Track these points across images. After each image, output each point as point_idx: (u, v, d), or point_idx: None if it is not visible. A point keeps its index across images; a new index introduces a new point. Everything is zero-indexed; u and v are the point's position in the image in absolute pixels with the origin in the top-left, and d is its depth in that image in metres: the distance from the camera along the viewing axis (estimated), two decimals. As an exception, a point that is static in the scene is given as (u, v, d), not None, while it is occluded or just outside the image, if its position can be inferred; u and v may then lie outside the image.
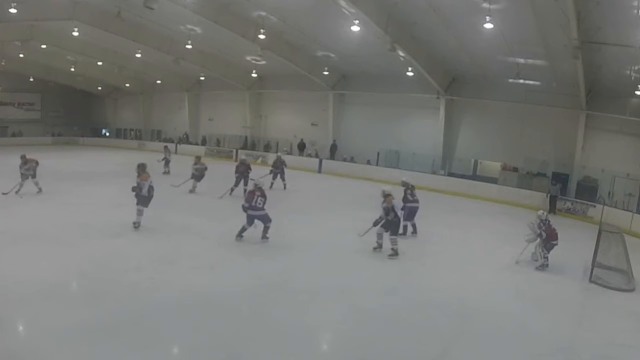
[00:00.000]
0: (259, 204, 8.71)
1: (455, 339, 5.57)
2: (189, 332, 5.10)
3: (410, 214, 10.02)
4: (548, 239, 8.44)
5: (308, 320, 5.78)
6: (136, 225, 9.04)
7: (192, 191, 13.99)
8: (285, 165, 15.87)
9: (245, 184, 13.65)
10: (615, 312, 6.80)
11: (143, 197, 9.04)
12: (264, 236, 8.84)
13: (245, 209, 8.75)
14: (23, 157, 11.94)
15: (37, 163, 12.09)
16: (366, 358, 5.00)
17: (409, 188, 10.31)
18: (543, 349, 5.43)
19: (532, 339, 5.63)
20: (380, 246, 8.84)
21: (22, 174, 11.77)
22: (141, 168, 9.23)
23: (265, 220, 8.84)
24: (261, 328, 5.38)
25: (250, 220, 8.77)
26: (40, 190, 12.01)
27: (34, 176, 11.93)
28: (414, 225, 10.22)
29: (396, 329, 5.66)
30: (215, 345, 4.93)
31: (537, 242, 8.61)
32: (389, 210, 8.51)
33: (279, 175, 15.63)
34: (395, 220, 8.61)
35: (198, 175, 13.98)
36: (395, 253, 8.57)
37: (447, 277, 7.80)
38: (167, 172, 17.44)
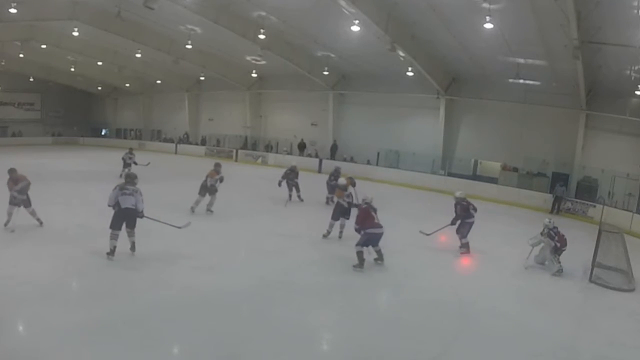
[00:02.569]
0: (378, 219, 7.80)
1: (455, 339, 5.57)
2: (189, 332, 5.10)
3: (469, 229, 9.23)
4: (560, 246, 8.46)
5: (308, 320, 5.79)
6: (109, 256, 7.20)
7: (209, 210, 11.13)
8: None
9: (298, 191, 13.35)
10: (615, 312, 6.80)
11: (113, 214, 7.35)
12: (382, 258, 7.91)
13: (358, 230, 7.72)
14: (12, 171, 8.65)
15: (29, 183, 8.77)
16: (366, 358, 5.00)
17: (470, 203, 9.43)
18: (543, 348, 5.43)
19: (532, 339, 5.63)
20: (329, 233, 9.50)
21: (13, 196, 8.50)
22: (133, 177, 7.67)
23: (376, 242, 7.78)
24: (261, 328, 5.38)
25: (375, 240, 7.70)
26: (40, 223, 8.90)
27: (27, 204, 8.71)
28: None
29: (396, 329, 5.66)
30: (215, 345, 4.93)
31: (542, 246, 8.62)
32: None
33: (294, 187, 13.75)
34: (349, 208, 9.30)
35: (214, 190, 11.14)
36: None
37: (447, 277, 7.80)
38: (121, 176, 15.70)
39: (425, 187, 18.08)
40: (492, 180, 18.28)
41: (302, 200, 13.44)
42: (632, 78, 13.50)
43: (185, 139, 30.11)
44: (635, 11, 10.10)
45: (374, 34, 15.09)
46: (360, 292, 6.81)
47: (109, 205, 7.35)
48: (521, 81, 17.15)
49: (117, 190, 7.33)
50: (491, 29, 12.50)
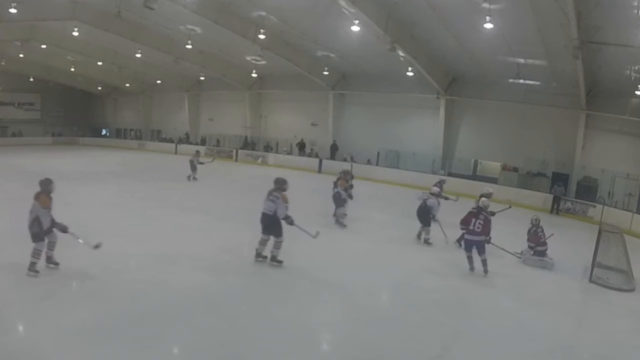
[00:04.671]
0: (478, 227, 7.67)
1: (455, 339, 5.57)
2: (189, 332, 5.10)
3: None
4: (535, 245, 8.65)
5: (308, 320, 5.79)
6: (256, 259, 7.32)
7: (341, 224, 10.33)
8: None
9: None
10: (615, 312, 6.80)
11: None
12: (486, 269, 7.77)
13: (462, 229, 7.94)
14: (48, 183, 6.48)
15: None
16: (366, 358, 4.99)
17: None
18: (543, 348, 5.43)
19: (532, 339, 5.63)
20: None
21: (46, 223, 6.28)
22: (281, 183, 7.34)
23: (480, 249, 7.71)
24: (261, 328, 5.38)
25: (468, 247, 7.82)
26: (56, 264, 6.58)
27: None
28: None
29: (396, 329, 5.66)
30: (215, 345, 4.93)
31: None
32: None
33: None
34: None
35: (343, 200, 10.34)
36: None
37: (447, 277, 7.80)
38: (189, 179, 16.30)
39: (425, 187, 17.95)
40: (492, 180, 18.28)
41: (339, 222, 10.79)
42: (632, 78, 13.52)
43: (186, 139, 30.11)
44: (635, 11, 10.11)
45: (374, 34, 15.09)
46: (360, 292, 6.80)
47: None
48: (521, 81, 17.17)
49: (266, 195, 7.21)
50: (491, 29, 12.51)
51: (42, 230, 6.20)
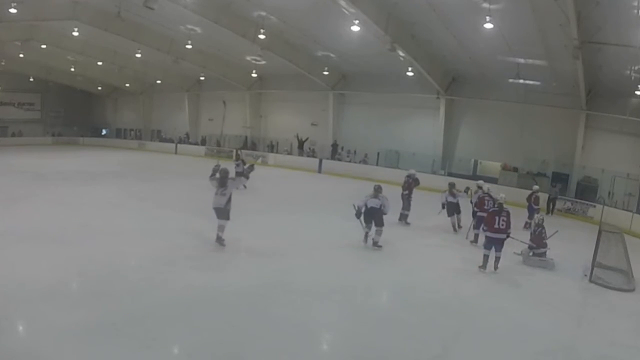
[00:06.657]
0: (502, 224, 7.85)
1: (455, 339, 5.57)
2: (189, 331, 5.10)
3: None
4: (536, 247, 8.68)
5: (308, 320, 5.78)
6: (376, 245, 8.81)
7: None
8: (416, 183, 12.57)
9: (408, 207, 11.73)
10: (615, 312, 6.80)
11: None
12: (497, 266, 7.96)
13: (485, 231, 8.18)
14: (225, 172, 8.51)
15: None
16: (366, 358, 4.99)
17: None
18: (543, 348, 5.43)
19: (532, 339, 5.63)
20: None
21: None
22: (379, 188, 8.96)
23: (499, 247, 7.92)
24: (261, 328, 5.38)
25: (489, 245, 7.95)
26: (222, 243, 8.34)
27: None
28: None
29: (396, 329, 5.66)
30: (214, 345, 4.93)
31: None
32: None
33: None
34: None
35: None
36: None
37: (447, 277, 7.80)
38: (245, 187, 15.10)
39: (425, 187, 18.03)
40: (492, 180, 18.25)
41: (408, 223, 11.66)
42: (632, 78, 13.51)
43: (186, 139, 30.12)
44: (635, 11, 10.10)
45: (374, 34, 15.10)
46: (360, 292, 6.82)
47: (359, 206, 8.92)
48: (521, 81, 17.16)
49: (367, 197, 8.86)
50: (491, 29, 12.51)
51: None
